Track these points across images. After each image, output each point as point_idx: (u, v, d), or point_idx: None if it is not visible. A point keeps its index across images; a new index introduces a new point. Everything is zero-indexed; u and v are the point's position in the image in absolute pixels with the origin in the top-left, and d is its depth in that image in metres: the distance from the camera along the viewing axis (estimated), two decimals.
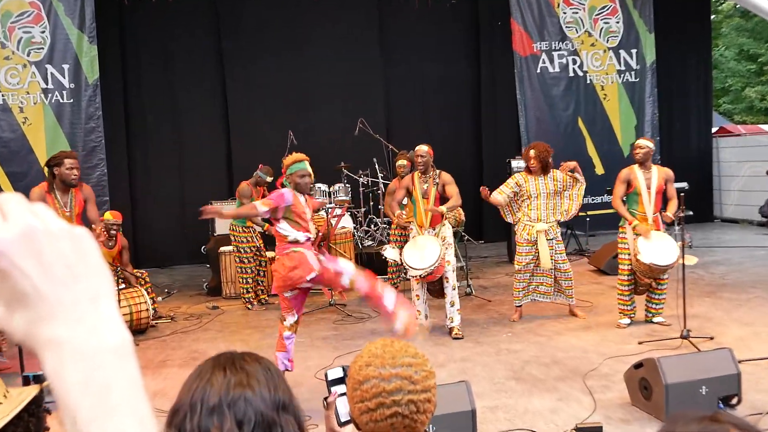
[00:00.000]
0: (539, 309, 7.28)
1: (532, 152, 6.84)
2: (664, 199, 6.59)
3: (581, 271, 9.39)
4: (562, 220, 6.95)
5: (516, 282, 6.98)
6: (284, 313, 5.12)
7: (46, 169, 6.04)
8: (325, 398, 1.96)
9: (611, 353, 5.74)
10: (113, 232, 7.31)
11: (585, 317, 6.99)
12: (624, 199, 6.55)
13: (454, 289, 6.59)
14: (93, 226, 6.15)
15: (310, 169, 5.09)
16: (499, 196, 6.91)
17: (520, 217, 6.93)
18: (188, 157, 11.62)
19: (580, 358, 5.68)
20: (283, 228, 4.95)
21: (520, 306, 7.03)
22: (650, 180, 6.44)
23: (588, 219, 11.18)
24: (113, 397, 0.62)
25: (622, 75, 12.80)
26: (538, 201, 6.82)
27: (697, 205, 12.16)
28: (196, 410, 1.18)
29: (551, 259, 6.79)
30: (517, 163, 9.58)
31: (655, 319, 6.58)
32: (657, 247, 6.23)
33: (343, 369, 1.91)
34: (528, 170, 6.93)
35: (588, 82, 12.66)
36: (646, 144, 6.52)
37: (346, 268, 4.96)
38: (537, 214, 6.83)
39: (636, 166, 6.53)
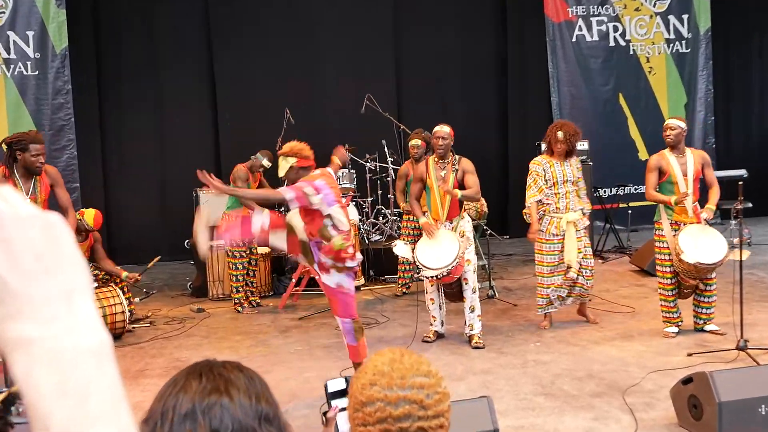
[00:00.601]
0: (573, 314, 7.28)
1: (560, 134, 6.78)
2: (703, 188, 6.57)
3: (621, 272, 9.37)
4: (587, 210, 6.93)
5: (540, 287, 6.95)
6: None
7: (4, 147, 6.01)
8: (324, 413, 1.96)
9: (656, 366, 5.73)
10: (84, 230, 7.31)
11: (598, 322, 7.02)
12: (657, 190, 6.51)
13: (474, 291, 6.59)
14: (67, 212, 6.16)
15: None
16: (534, 199, 6.85)
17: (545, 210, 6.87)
18: (170, 138, 11.66)
19: (619, 372, 5.67)
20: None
21: (549, 313, 7.03)
22: (686, 165, 6.41)
23: (630, 212, 11.14)
24: (91, 405, 0.63)
25: (671, 45, 12.72)
26: (566, 188, 6.80)
27: (758, 196, 12.08)
28: (167, 417, 1.20)
29: (578, 253, 6.77)
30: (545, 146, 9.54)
31: (706, 327, 6.56)
32: (702, 243, 6.19)
33: (346, 380, 1.90)
34: (550, 152, 6.90)
35: (631, 52, 12.58)
36: (677, 124, 6.48)
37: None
38: (565, 203, 6.80)
39: (667, 151, 6.51)
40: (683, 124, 6.51)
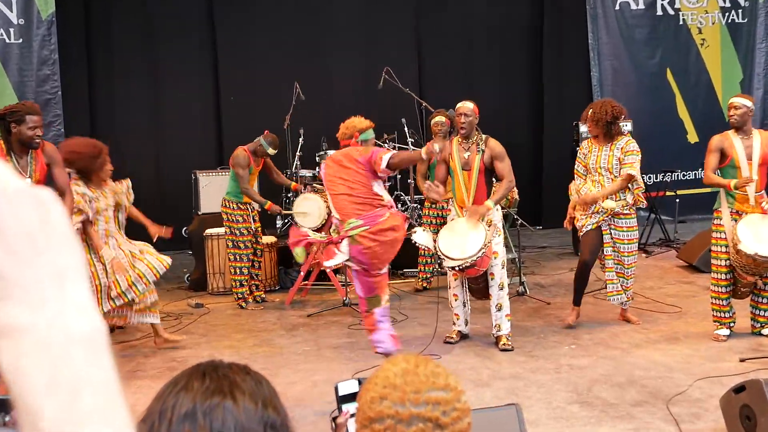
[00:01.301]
0: (611, 314, 7.25)
1: (590, 113, 6.85)
2: None
3: (667, 267, 9.33)
4: (631, 202, 6.91)
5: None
6: None
7: None
8: (334, 418, 1.96)
9: (704, 372, 5.70)
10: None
11: (639, 322, 7.02)
12: (717, 173, 6.47)
13: (502, 288, 6.58)
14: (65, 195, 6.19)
15: None
16: (574, 186, 6.93)
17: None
18: (167, 115, 11.70)
19: (663, 378, 5.65)
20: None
21: (579, 306, 7.07)
22: (751, 149, 6.35)
23: (678, 200, 11.07)
24: (84, 401, 0.63)
25: (727, 14, 12.59)
26: (599, 176, 6.84)
27: None
28: (166, 417, 1.22)
29: (618, 243, 6.76)
30: (586, 128, 9.50)
31: (764, 331, 6.52)
32: (763, 234, 6.13)
33: (359, 382, 1.89)
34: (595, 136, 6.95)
35: (681, 22, 12.48)
36: (743, 103, 6.42)
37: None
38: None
39: (731, 132, 6.45)
40: (750, 103, 6.44)
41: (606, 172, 6.81)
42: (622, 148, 6.82)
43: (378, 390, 1.63)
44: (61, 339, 0.63)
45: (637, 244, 7.10)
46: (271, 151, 8.23)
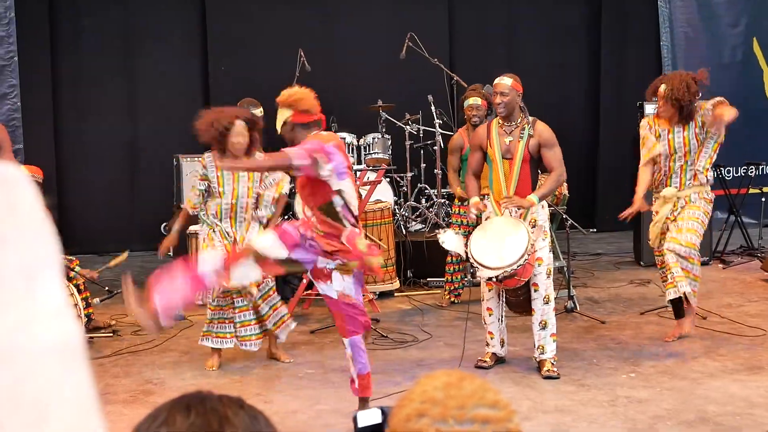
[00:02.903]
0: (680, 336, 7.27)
1: (662, 88, 6.81)
2: None
3: (750, 281, 9.29)
4: (707, 181, 6.94)
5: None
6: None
7: None
8: None
9: None
10: None
11: (690, 333, 7.07)
12: None
13: (547, 302, 6.58)
14: None
15: None
16: (644, 161, 6.97)
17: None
18: (144, 87, 11.76)
19: (742, 416, 5.63)
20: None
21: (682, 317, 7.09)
22: None
23: (764, 199, 11.05)
24: (52, 419, 0.66)
25: None
26: (672, 163, 6.85)
27: None
28: None
29: (679, 234, 6.79)
30: (653, 108, 9.51)
31: None
32: None
33: (383, 412, 1.90)
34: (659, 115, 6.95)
35: None
36: None
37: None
38: (675, 181, 6.91)
39: None
40: None
41: (684, 157, 6.83)
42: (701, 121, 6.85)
43: (415, 406, 1.60)
44: (28, 348, 0.64)
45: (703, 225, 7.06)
46: (258, 112, 8.29)
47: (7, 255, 0.64)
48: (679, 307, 7.07)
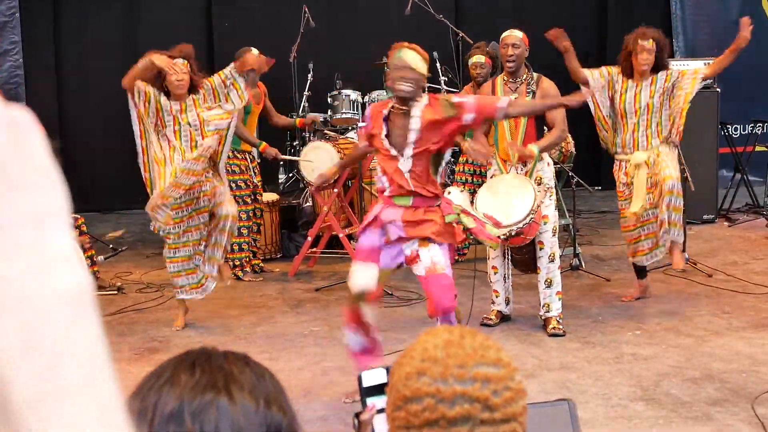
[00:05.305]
0: (685, 293, 7.26)
1: (647, 43, 6.72)
2: None
3: (755, 239, 9.28)
4: (674, 138, 6.88)
5: (628, 243, 7.11)
6: None
7: None
8: (357, 414, 1.99)
9: None
10: None
11: (683, 266, 7.11)
12: None
13: (552, 260, 6.59)
14: None
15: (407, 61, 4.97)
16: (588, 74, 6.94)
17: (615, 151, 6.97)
18: (148, 41, 11.64)
19: (748, 373, 5.64)
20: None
21: (644, 279, 7.13)
22: None
23: None
24: (65, 370, 0.64)
25: None
26: (637, 118, 6.80)
27: None
28: (146, 418, 1.19)
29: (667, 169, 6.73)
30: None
31: None
32: None
33: (387, 371, 1.90)
34: (623, 71, 6.86)
35: None
36: None
37: None
38: (634, 138, 6.83)
39: None
40: None
41: (648, 113, 6.78)
42: (666, 77, 6.78)
43: (415, 364, 1.59)
44: (39, 295, 0.62)
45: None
46: (254, 50, 7.97)
47: (15, 200, 0.62)
48: (641, 268, 7.16)
